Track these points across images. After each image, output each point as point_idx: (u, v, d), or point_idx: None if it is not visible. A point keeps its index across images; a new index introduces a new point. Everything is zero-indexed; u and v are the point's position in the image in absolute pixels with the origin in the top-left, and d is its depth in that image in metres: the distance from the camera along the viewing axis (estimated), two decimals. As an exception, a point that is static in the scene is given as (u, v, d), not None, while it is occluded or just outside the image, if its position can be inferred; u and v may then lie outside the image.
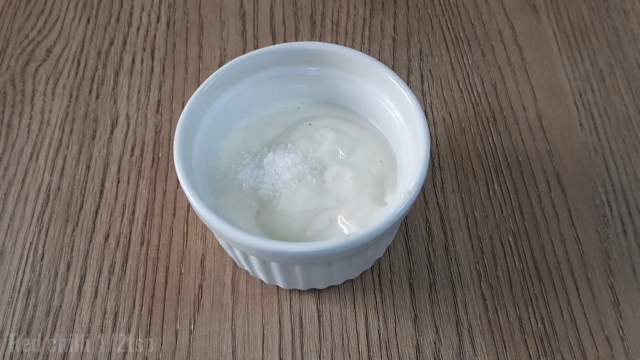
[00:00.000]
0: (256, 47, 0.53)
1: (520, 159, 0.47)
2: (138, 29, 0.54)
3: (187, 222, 0.44)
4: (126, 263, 0.42)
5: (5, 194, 0.45)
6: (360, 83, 0.41)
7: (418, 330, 0.40)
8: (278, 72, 0.42)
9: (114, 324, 0.40)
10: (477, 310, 0.40)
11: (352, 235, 0.33)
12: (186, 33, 0.54)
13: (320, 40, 0.53)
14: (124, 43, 0.53)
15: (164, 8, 0.56)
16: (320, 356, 0.39)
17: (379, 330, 0.40)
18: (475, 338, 0.39)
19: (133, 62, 0.52)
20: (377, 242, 0.37)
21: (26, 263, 0.42)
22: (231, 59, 0.46)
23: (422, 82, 0.51)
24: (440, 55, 0.52)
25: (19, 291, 0.41)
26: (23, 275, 0.42)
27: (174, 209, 0.45)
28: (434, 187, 0.45)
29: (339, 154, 0.40)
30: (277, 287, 0.41)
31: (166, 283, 0.42)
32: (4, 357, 0.39)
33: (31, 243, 0.43)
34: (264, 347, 0.39)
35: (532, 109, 0.49)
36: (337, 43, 0.53)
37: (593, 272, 0.42)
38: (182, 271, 0.42)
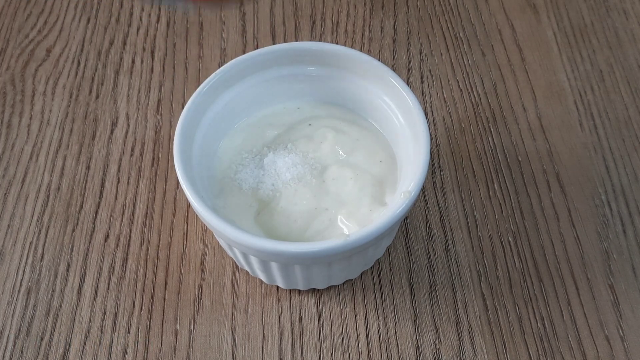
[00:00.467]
0: (256, 47, 0.53)
1: (520, 159, 0.47)
2: (138, 29, 0.54)
3: (187, 222, 0.44)
4: (126, 263, 0.42)
5: (5, 194, 0.45)
6: (360, 83, 0.41)
7: (418, 330, 0.40)
8: (278, 72, 0.42)
9: (114, 324, 0.40)
10: (477, 310, 0.40)
11: (352, 235, 0.33)
12: (186, 33, 0.54)
13: (320, 40, 0.53)
14: (124, 43, 0.53)
15: (164, 8, 0.56)
16: (320, 356, 0.39)
17: (379, 330, 0.40)
18: (475, 338, 0.39)
19: (133, 62, 0.52)
20: (377, 242, 0.37)
21: (26, 263, 0.42)
22: (231, 59, 0.46)
23: (422, 82, 0.51)
24: (440, 55, 0.52)
25: (18, 291, 0.41)
26: (23, 275, 0.42)
27: (174, 209, 0.45)
28: (434, 187, 0.45)
29: (339, 154, 0.40)
30: (277, 287, 0.41)
31: (166, 283, 0.42)
32: (3, 357, 0.39)
33: (31, 243, 0.43)
34: (264, 347, 0.39)
35: (532, 109, 0.49)
36: (337, 43, 0.53)
37: (593, 272, 0.42)
38: (182, 271, 0.42)
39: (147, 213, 0.44)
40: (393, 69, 0.44)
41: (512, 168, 0.46)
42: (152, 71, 0.52)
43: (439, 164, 0.46)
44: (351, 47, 0.44)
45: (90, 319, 0.40)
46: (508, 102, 0.49)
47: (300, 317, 0.40)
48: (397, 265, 0.42)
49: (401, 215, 0.34)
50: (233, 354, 0.39)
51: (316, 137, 0.41)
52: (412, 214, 0.44)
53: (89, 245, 0.43)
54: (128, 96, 0.50)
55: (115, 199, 0.45)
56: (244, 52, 0.52)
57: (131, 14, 0.55)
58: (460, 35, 0.53)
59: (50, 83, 0.51)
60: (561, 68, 0.51)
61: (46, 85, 0.51)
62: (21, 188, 0.46)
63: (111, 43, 0.53)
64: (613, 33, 0.53)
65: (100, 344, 0.39)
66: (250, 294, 0.41)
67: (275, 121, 0.43)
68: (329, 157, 0.40)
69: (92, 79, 0.51)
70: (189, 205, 0.45)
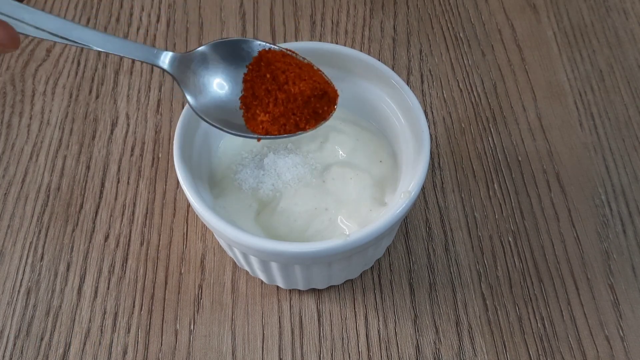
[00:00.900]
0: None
1: (520, 159, 0.47)
2: (138, 29, 0.54)
3: (187, 222, 0.44)
4: (126, 263, 0.42)
5: (5, 194, 0.45)
6: (360, 83, 0.41)
7: (418, 330, 0.40)
8: (278, 72, 0.42)
9: (114, 324, 0.40)
10: (477, 310, 0.40)
11: (352, 235, 0.33)
12: (186, 33, 0.54)
13: (320, 40, 0.53)
14: (124, 43, 0.53)
15: (164, 8, 0.56)
16: (320, 356, 0.39)
17: (379, 330, 0.40)
18: (475, 338, 0.39)
19: (133, 62, 0.52)
20: (377, 242, 0.37)
21: (26, 263, 0.42)
22: (231, 59, 0.46)
23: (422, 82, 0.51)
24: (440, 55, 0.52)
25: (18, 291, 0.41)
26: (23, 275, 0.42)
27: (174, 209, 0.45)
28: (434, 187, 0.45)
29: (339, 154, 0.40)
30: (277, 287, 0.41)
31: (166, 283, 0.42)
32: (3, 357, 0.39)
33: (31, 243, 0.43)
34: (264, 347, 0.39)
35: (532, 109, 0.49)
36: (337, 43, 0.53)
37: (593, 272, 0.42)
38: (182, 271, 0.42)
39: (147, 213, 0.44)
40: (393, 69, 0.44)
41: (512, 168, 0.46)
42: (152, 71, 0.52)
43: (439, 164, 0.46)
44: (351, 47, 0.44)
45: (90, 319, 0.40)
46: (508, 102, 0.49)
47: (300, 317, 0.40)
48: (397, 265, 0.42)
49: (401, 215, 0.34)
50: (233, 354, 0.39)
51: (316, 137, 0.41)
52: (412, 214, 0.44)
53: (89, 245, 0.43)
54: (128, 96, 0.50)
55: (115, 199, 0.45)
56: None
57: (131, 14, 0.55)
58: (460, 35, 0.53)
59: (50, 83, 0.51)
60: (561, 68, 0.51)
61: (46, 85, 0.51)
62: (21, 188, 0.46)
63: (111, 43, 0.53)
64: (613, 33, 0.53)
65: (100, 344, 0.39)
66: (250, 294, 0.41)
67: (275, 121, 0.43)
68: (329, 157, 0.40)
69: (92, 79, 0.51)
70: (189, 205, 0.45)
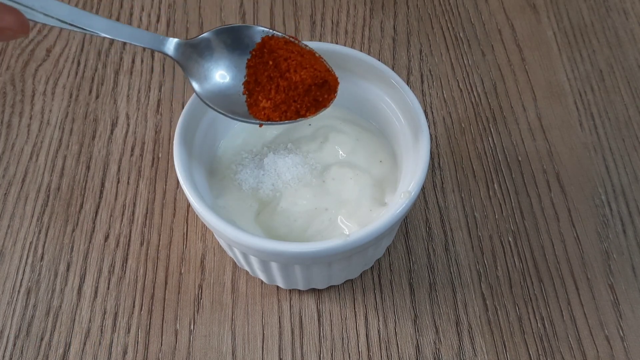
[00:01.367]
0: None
1: (520, 159, 0.47)
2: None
3: (187, 222, 0.44)
4: (126, 263, 0.42)
5: (5, 194, 0.45)
6: (360, 83, 0.41)
7: (418, 330, 0.40)
8: (278, 72, 0.42)
9: (114, 324, 0.40)
10: (477, 310, 0.40)
11: (352, 235, 0.33)
12: (186, 33, 0.54)
13: (320, 40, 0.53)
14: (124, 43, 0.53)
15: (164, 8, 0.56)
16: (320, 356, 0.39)
17: (379, 330, 0.40)
18: (475, 338, 0.39)
19: (133, 62, 0.52)
20: (377, 242, 0.37)
21: (26, 263, 0.42)
22: (231, 59, 0.46)
23: (422, 82, 0.51)
24: (440, 55, 0.52)
25: (18, 291, 0.41)
26: (23, 275, 0.42)
27: (174, 209, 0.45)
28: (434, 187, 0.45)
29: (339, 154, 0.40)
30: (277, 287, 0.41)
31: (166, 283, 0.42)
32: (3, 357, 0.39)
33: (31, 243, 0.43)
34: (264, 347, 0.39)
35: (532, 109, 0.49)
36: (337, 43, 0.53)
37: (593, 272, 0.42)
38: (182, 271, 0.42)
39: (147, 213, 0.44)
40: (393, 69, 0.44)
41: (512, 168, 0.46)
42: (152, 71, 0.52)
43: (439, 164, 0.46)
44: (351, 47, 0.44)
45: (90, 319, 0.40)
46: (508, 102, 0.49)
47: (300, 317, 0.40)
48: (397, 265, 0.42)
49: (401, 215, 0.34)
50: (233, 354, 0.39)
51: (316, 137, 0.41)
52: (412, 214, 0.44)
53: (89, 245, 0.43)
54: (128, 96, 0.50)
55: (115, 199, 0.45)
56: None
57: (131, 14, 0.55)
58: (460, 35, 0.53)
59: (50, 83, 0.51)
60: (561, 68, 0.51)
61: (46, 85, 0.51)
62: (21, 188, 0.46)
63: (111, 43, 0.53)
64: (613, 33, 0.53)
65: (100, 344, 0.39)
66: (250, 294, 0.41)
67: (275, 121, 0.43)
68: (329, 157, 0.40)
69: (92, 79, 0.51)
70: (189, 205, 0.45)
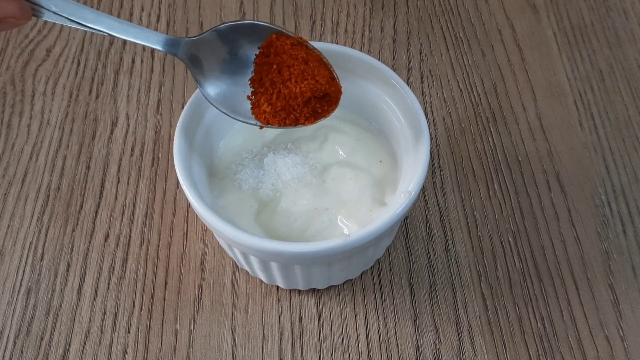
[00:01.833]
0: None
1: (520, 159, 0.47)
2: (138, 29, 0.54)
3: (187, 222, 0.44)
4: (126, 263, 0.42)
5: (5, 194, 0.45)
6: (360, 83, 0.41)
7: (418, 330, 0.40)
8: (278, 72, 0.42)
9: (114, 324, 0.40)
10: (477, 310, 0.40)
11: (352, 235, 0.33)
12: (186, 33, 0.54)
13: (320, 40, 0.53)
14: (124, 43, 0.53)
15: (164, 8, 0.56)
16: (320, 356, 0.39)
17: (379, 330, 0.40)
18: (475, 338, 0.39)
19: (133, 62, 0.52)
20: (377, 242, 0.37)
21: (26, 263, 0.42)
22: (231, 59, 0.46)
23: (422, 82, 0.51)
24: (440, 55, 0.52)
25: (18, 291, 0.41)
26: (23, 275, 0.42)
27: (174, 209, 0.45)
28: (434, 187, 0.45)
29: (339, 154, 0.40)
30: (277, 287, 0.41)
31: (166, 283, 0.42)
32: (3, 357, 0.39)
33: (31, 243, 0.43)
34: (264, 347, 0.39)
35: (532, 109, 0.49)
36: (337, 43, 0.53)
37: (593, 272, 0.42)
38: (182, 271, 0.42)
39: (147, 213, 0.44)
40: (393, 69, 0.44)
41: (512, 168, 0.46)
42: (152, 71, 0.52)
43: (439, 164, 0.46)
44: (351, 47, 0.44)
45: (90, 319, 0.40)
46: (508, 102, 0.49)
47: (300, 317, 0.40)
48: (397, 265, 0.42)
49: (401, 215, 0.34)
50: (233, 354, 0.39)
51: (316, 137, 0.41)
52: (412, 214, 0.44)
53: (89, 245, 0.43)
54: (128, 96, 0.50)
55: (115, 199, 0.45)
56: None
57: (131, 14, 0.55)
58: (460, 35, 0.53)
59: (50, 83, 0.51)
60: (561, 68, 0.51)
61: (46, 85, 0.51)
62: (21, 188, 0.46)
63: (111, 43, 0.53)
64: (613, 33, 0.53)
65: (100, 344, 0.39)
66: (250, 294, 0.41)
67: (275, 121, 0.43)
68: (329, 157, 0.40)
69: (92, 79, 0.51)
70: (189, 205, 0.45)
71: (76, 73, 0.52)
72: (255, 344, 0.39)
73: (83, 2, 0.56)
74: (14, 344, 0.39)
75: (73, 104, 0.50)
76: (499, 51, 0.52)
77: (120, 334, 0.40)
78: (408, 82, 0.50)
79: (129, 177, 0.46)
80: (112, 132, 0.48)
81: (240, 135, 0.42)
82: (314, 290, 0.41)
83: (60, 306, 0.41)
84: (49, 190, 0.46)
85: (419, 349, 0.39)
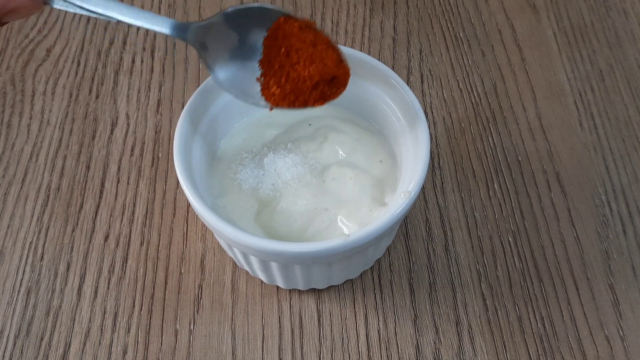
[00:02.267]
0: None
1: (520, 159, 0.47)
2: (138, 29, 0.54)
3: (187, 222, 0.44)
4: (126, 263, 0.42)
5: (5, 194, 0.45)
6: (360, 83, 0.41)
7: (418, 330, 0.40)
8: (278, 72, 0.42)
9: (114, 324, 0.40)
10: (477, 310, 0.40)
11: (352, 235, 0.33)
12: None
13: (320, 40, 0.53)
14: (124, 43, 0.53)
15: (164, 8, 0.56)
16: (320, 356, 0.39)
17: (379, 330, 0.40)
18: (475, 338, 0.39)
19: (133, 62, 0.52)
20: (377, 242, 0.37)
21: (26, 263, 0.42)
22: (231, 59, 0.46)
23: (422, 82, 0.51)
24: (440, 55, 0.52)
25: (18, 291, 0.41)
26: (23, 275, 0.42)
27: (174, 209, 0.45)
28: (434, 187, 0.45)
29: (339, 154, 0.40)
30: (277, 287, 0.41)
31: (166, 283, 0.42)
32: (3, 357, 0.39)
33: (31, 243, 0.43)
34: (264, 347, 0.39)
35: (532, 109, 0.49)
36: (337, 43, 0.53)
37: (593, 272, 0.42)
38: (182, 271, 0.42)
39: (147, 213, 0.44)
40: (393, 69, 0.44)
41: (512, 168, 0.46)
42: (152, 71, 0.52)
43: (439, 164, 0.46)
44: (351, 47, 0.44)
45: (90, 319, 0.40)
46: (508, 102, 0.49)
47: (300, 317, 0.40)
48: (397, 265, 0.42)
49: (401, 215, 0.34)
50: (233, 354, 0.39)
51: (316, 137, 0.41)
52: (412, 214, 0.44)
53: (89, 245, 0.43)
54: (128, 96, 0.50)
55: (115, 199, 0.45)
56: (244, 52, 0.52)
57: (131, 14, 0.55)
58: (460, 35, 0.53)
59: (50, 83, 0.51)
60: (561, 68, 0.51)
61: (46, 85, 0.51)
62: (21, 188, 0.46)
63: (111, 43, 0.53)
64: (613, 33, 0.53)
65: (100, 344, 0.39)
66: (250, 294, 0.41)
67: (275, 121, 0.43)
68: (329, 157, 0.40)
69: (92, 79, 0.51)
70: (189, 205, 0.45)
71: (76, 73, 0.52)
72: (255, 344, 0.39)
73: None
74: (14, 344, 0.39)
75: (73, 104, 0.50)
76: (499, 51, 0.52)
77: (120, 334, 0.40)
78: (408, 82, 0.50)
79: (129, 177, 0.46)
80: (112, 132, 0.48)
81: (240, 135, 0.42)
82: (314, 290, 0.41)
83: (60, 306, 0.41)
84: (49, 190, 0.46)
85: (419, 349, 0.39)
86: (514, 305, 0.40)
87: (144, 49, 0.53)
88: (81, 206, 0.45)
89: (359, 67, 0.40)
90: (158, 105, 0.50)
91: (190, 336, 0.40)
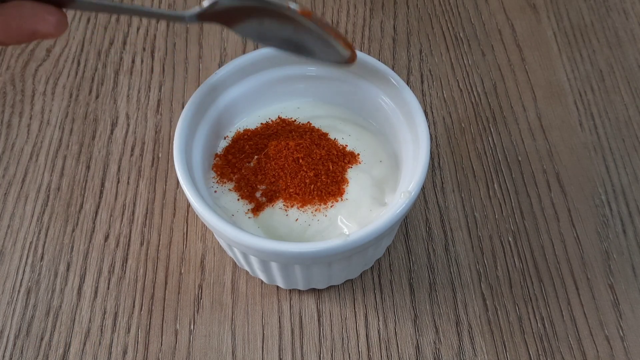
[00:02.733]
0: (256, 47, 0.53)
1: (520, 159, 0.47)
2: (138, 29, 0.54)
3: (187, 222, 0.44)
4: (126, 263, 0.42)
5: (5, 194, 0.45)
6: (360, 83, 0.41)
7: (418, 330, 0.40)
8: (278, 72, 0.42)
9: (114, 324, 0.40)
10: (477, 310, 0.40)
11: (352, 235, 0.33)
12: (186, 33, 0.54)
13: (320, 40, 0.53)
14: (124, 43, 0.53)
15: (163, 7, 0.56)
16: (320, 356, 0.39)
17: (379, 330, 0.40)
18: (475, 338, 0.39)
19: (133, 62, 0.52)
20: (377, 242, 0.37)
21: (26, 263, 0.42)
22: (231, 59, 0.46)
23: (422, 82, 0.51)
24: (440, 55, 0.52)
25: (18, 291, 0.41)
26: (23, 275, 0.42)
27: (174, 209, 0.45)
28: (434, 187, 0.45)
29: (339, 154, 0.40)
30: (277, 287, 0.41)
31: (166, 283, 0.42)
32: (3, 357, 0.39)
33: (31, 243, 0.43)
34: (264, 347, 0.39)
35: (532, 109, 0.49)
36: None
37: (593, 272, 0.42)
38: (182, 271, 0.42)
39: (147, 213, 0.44)
40: (393, 69, 0.44)
41: (512, 168, 0.46)
42: (152, 71, 0.52)
43: (439, 164, 0.46)
44: (351, 47, 0.44)
45: (90, 319, 0.40)
46: (508, 102, 0.49)
47: (300, 317, 0.40)
48: (397, 265, 0.42)
49: (401, 215, 0.34)
50: (233, 354, 0.39)
51: (316, 137, 0.41)
52: (412, 214, 0.44)
53: (89, 245, 0.43)
54: (128, 96, 0.50)
55: (115, 199, 0.45)
56: (244, 52, 0.52)
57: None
58: (460, 35, 0.53)
59: (50, 83, 0.51)
60: (561, 68, 0.51)
61: (46, 85, 0.51)
62: (21, 188, 0.46)
63: (111, 43, 0.53)
64: (613, 33, 0.53)
65: (100, 344, 0.39)
66: (250, 294, 0.41)
67: (275, 121, 0.43)
68: (329, 157, 0.40)
69: (92, 79, 0.51)
70: (189, 205, 0.45)
71: (76, 73, 0.52)
72: (255, 344, 0.39)
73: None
74: (14, 344, 0.39)
75: (73, 104, 0.50)
76: (499, 51, 0.52)
77: (120, 334, 0.40)
78: (408, 82, 0.50)
79: (129, 177, 0.46)
80: (112, 132, 0.48)
81: (240, 135, 0.42)
82: (314, 290, 0.41)
83: (60, 306, 0.41)
84: (49, 190, 0.46)
85: (419, 349, 0.39)
86: (514, 305, 0.40)
87: (144, 49, 0.53)
88: (81, 206, 0.45)
89: (358, 67, 0.40)
90: (158, 105, 0.50)
91: (190, 336, 0.40)
